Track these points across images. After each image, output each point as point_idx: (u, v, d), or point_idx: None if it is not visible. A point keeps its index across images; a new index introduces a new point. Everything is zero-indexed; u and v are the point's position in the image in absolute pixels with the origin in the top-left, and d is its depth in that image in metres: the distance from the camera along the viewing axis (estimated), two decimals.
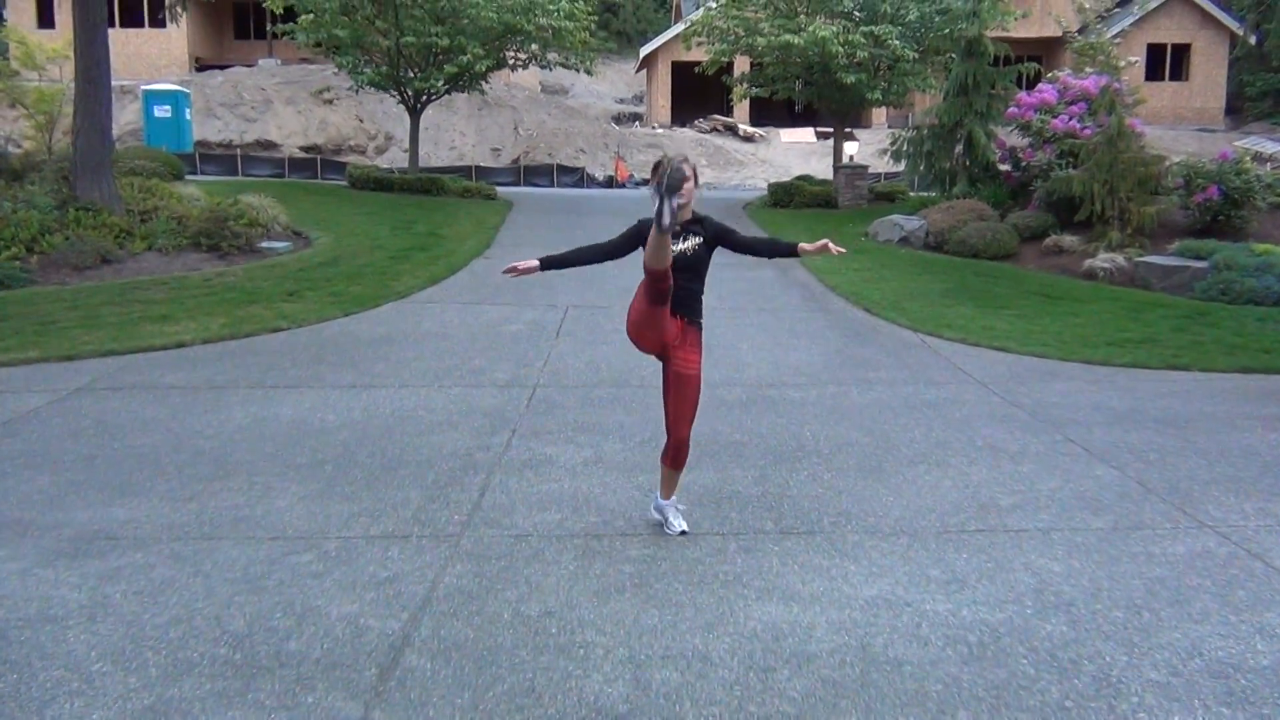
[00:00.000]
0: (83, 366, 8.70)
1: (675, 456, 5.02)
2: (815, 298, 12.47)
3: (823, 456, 6.39)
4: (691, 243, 4.86)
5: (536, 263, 4.98)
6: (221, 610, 4.19)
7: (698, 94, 40.57)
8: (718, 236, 4.95)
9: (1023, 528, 5.19)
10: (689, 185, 4.78)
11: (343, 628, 4.04)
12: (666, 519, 5.14)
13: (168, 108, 28.31)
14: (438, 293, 12.30)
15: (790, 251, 5.14)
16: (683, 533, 5.04)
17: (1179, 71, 41.48)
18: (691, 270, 4.88)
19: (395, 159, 32.63)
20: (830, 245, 4.98)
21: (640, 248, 4.89)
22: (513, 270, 4.97)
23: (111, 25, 37.91)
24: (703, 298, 5.01)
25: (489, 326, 10.46)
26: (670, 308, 4.82)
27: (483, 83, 24.19)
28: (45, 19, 37.59)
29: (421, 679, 3.66)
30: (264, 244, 14.39)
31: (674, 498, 5.19)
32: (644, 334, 4.90)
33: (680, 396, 4.93)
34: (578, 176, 32.93)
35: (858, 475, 6.03)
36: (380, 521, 5.23)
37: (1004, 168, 18.42)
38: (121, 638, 3.95)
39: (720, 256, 5.03)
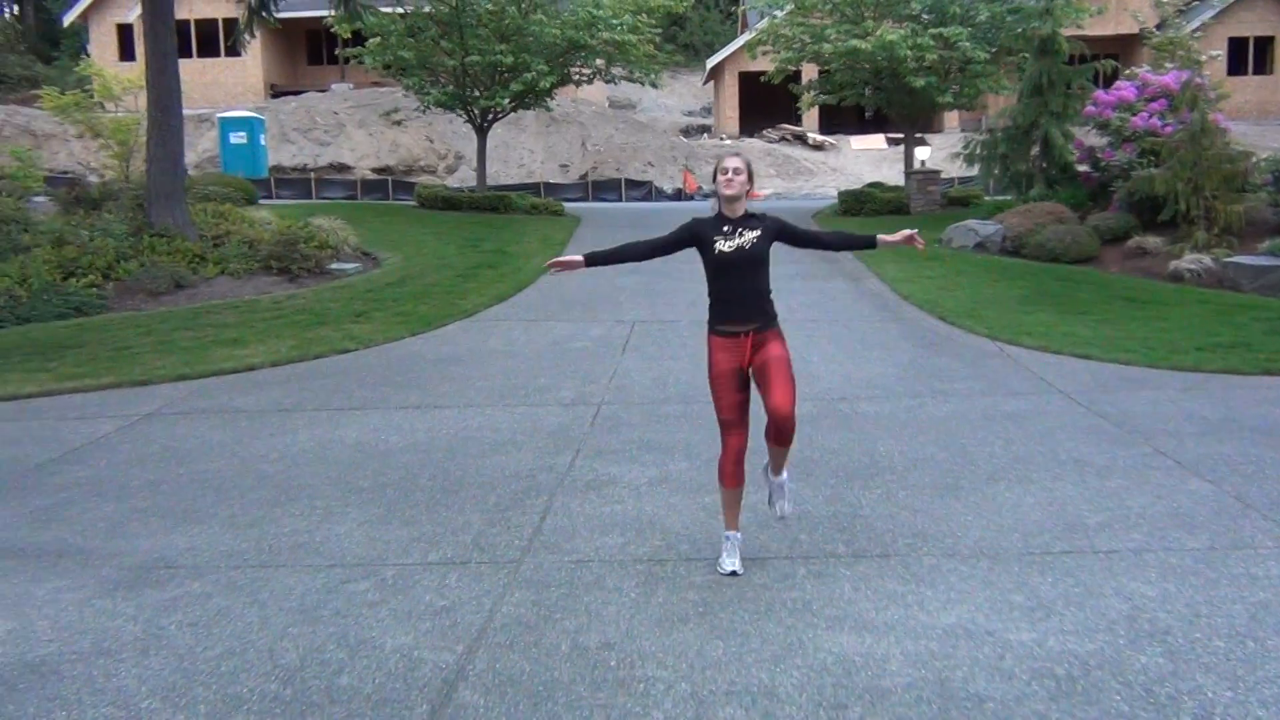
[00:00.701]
0: (154, 392, 8.77)
1: (779, 433, 4.60)
2: (888, 307, 12.16)
3: (897, 473, 6.14)
4: (750, 235, 4.64)
5: (581, 258, 4.84)
6: (275, 642, 4.09)
7: (765, 104, 40.30)
8: (778, 231, 4.73)
9: (1112, 548, 4.89)
10: (739, 178, 4.62)
11: (396, 660, 3.91)
12: (771, 496, 4.91)
13: (243, 134, 28.83)
14: (504, 310, 12.25)
15: (868, 243, 4.92)
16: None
17: (1263, 65, 40.11)
18: (754, 264, 4.64)
19: (465, 178, 32.87)
20: (916, 236, 4.77)
21: (692, 247, 4.74)
22: (556, 265, 4.86)
23: (189, 56, 39.03)
24: (770, 297, 4.73)
25: (555, 343, 10.36)
26: (737, 322, 4.63)
27: (548, 99, 24.24)
28: (127, 52, 38.67)
29: (474, 717, 3.51)
30: (333, 265, 14.49)
31: (785, 475, 4.87)
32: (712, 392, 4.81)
33: (767, 377, 4.57)
34: (646, 190, 32.85)
35: (934, 493, 5.76)
36: (439, 547, 5.11)
37: (1082, 168, 17.89)
38: (173, 672, 3.86)
39: (789, 266, 4.82)
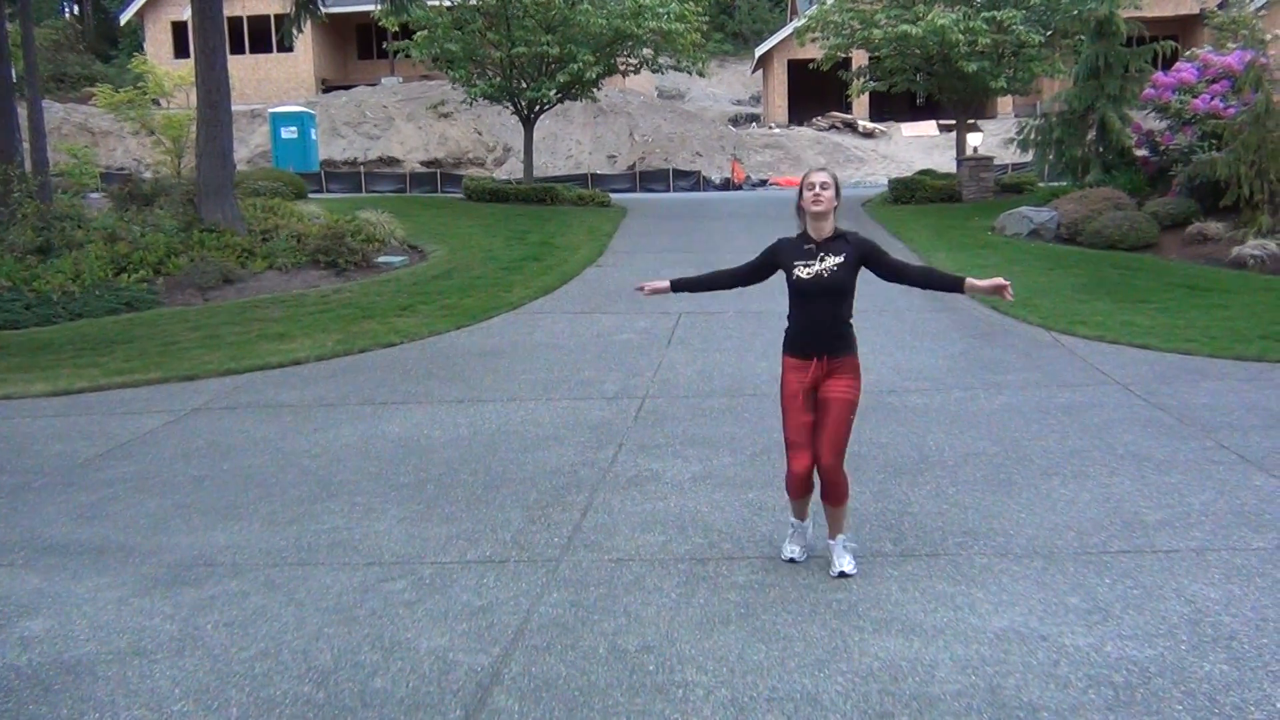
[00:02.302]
0: (202, 386, 8.81)
1: (824, 490, 4.50)
2: (939, 297, 11.90)
3: (947, 469, 5.96)
4: (831, 262, 4.41)
5: (667, 284, 4.79)
6: (310, 643, 4.04)
7: (815, 91, 39.90)
8: (864, 257, 4.49)
9: (1173, 548, 4.69)
10: (827, 194, 4.42)
11: (431, 663, 3.84)
12: (831, 558, 4.56)
13: (294, 129, 29.08)
14: (549, 303, 12.18)
15: (954, 286, 4.59)
16: (841, 574, 4.47)
17: None
18: (832, 295, 4.43)
19: (514, 170, 32.90)
20: (1006, 287, 4.45)
21: (779, 271, 4.57)
22: (643, 290, 4.81)
23: (241, 52, 39.48)
24: (850, 326, 4.54)
25: (599, 336, 10.27)
26: (808, 348, 4.48)
27: (594, 90, 24.14)
28: (181, 49, 39.13)
29: None
30: (380, 259, 14.53)
31: (842, 537, 4.57)
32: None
33: (821, 423, 4.47)
34: (694, 180, 32.65)
35: (986, 489, 5.59)
36: (478, 545, 5.04)
37: (1140, 153, 17.43)
38: (207, 673, 3.82)
39: None
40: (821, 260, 4.43)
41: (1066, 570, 4.48)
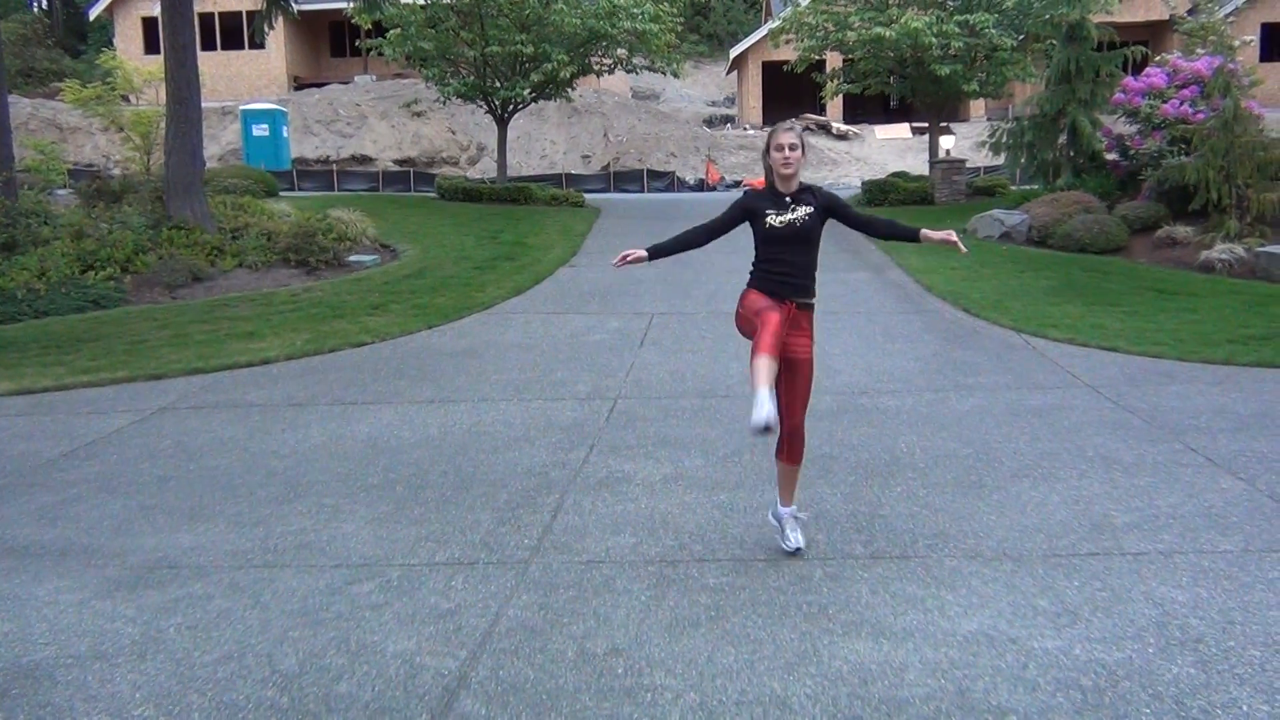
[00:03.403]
0: (169, 386, 8.70)
1: (790, 448, 4.69)
2: (911, 298, 11.97)
3: (918, 471, 5.97)
4: (802, 211, 4.62)
5: (644, 252, 4.78)
6: (274, 647, 3.98)
7: (789, 93, 39.99)
8: (830, 207, 4.72)
9: (1141, 550, 4.71)
10: (795, 154, 4.55)
11: (397, 667, 3.79)
12: (783, 531, 4.79)
13: (265, 126, 28.86)
14: (522, 303, 12.13)
15: (911, 235, 4.82)
16: (796, 550, 4.70)
17: None
18: (801, 242, 4.62)
19: (487, 169, 32.79)
20: (957, 240, 4.70)
21: (746, 223, 4.68)
22: (622, 260, 4.78)
23: (213, 48, 39.17)
24: (815, 274, 4.71)
25: (572, 336, 10.23)
26: (779, 290, 4.58)
27: (569, 89, 24.07)
28: (152, 45, 38.72)
29: None
30: (352, 258, 14.42)
31: (794, 506, 4.83)
32: (746, 329, 4.68)
33: (792, 383, 4.63)
34: (668, 181, 32.65)
35: (956, 491, 5.60)
36: (447, 547, 4.99)
37: (1111, 157, 17.57)
38: (169, 678, 3.76)
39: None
40: (793, 210, 4.60)
41: (1036, 573, 4.49)
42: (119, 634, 4.14)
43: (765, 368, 4.37)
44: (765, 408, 4.21)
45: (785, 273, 4.62)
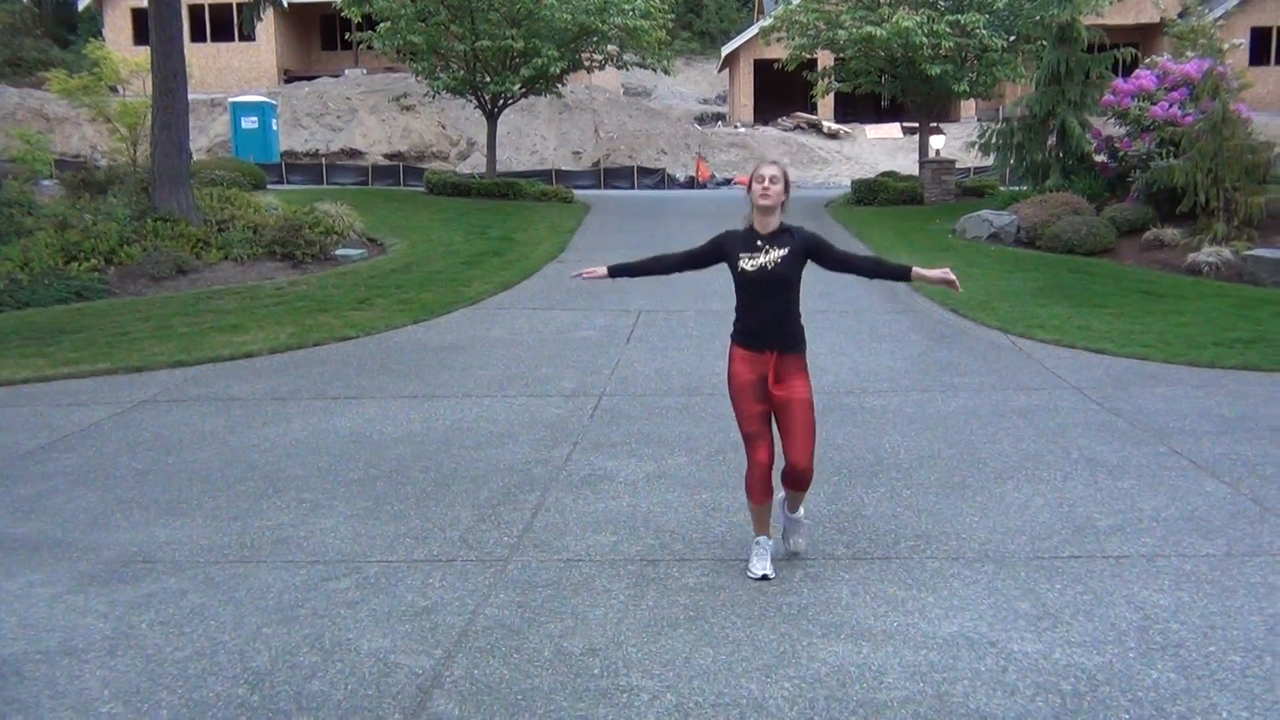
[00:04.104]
0: (151, 378, 8.63)
1: (796, 482, 4.47)
2: (899, 298, 11.94)
3: (902, 471, 5.94)
4: (775, 254, 4.35)
5: (604, 270, 4.63)
6: (247, 644, 3.93)
7: (781, 92, 39.98)
8: (809, 249, 4.42)
9: (1124, 553, 4.68)
10: (775, 188, 4.35)
11: (371, 665, 3.74)
12: (785, 533, 4.69)
13: (254, 119, 28.71)
14: (509, 299, 12.08)
15: (901, 275, 4.58)
16: (795, 554, 4.65)
17: None
18: (776, 285, 4.36)
19: (477, 164, 32.68)
20: (953, 277, 4.44)
21: (722, 263, 4.49)
22: (581, 275, 4.68)
23: (202, 40, 38.97)
24: (799, 319, 4.47)
25: (559, 332, 10.18)
26: (757, 342, 4.40)
27: (559, 85, 24.01)
28: (141, 35, 38.49)
29: None
30: (338, 251, 14.34)
31: (802, 511, 4.69)
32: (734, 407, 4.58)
33: (789, 423, 4.38)
34: (659, 178, 32.61)
35: (940, 492, 5.57)
36: (426, 544, 4.94)
37: (1100, 159, 17.59)
38: (139, 674, 3.71)
39: None
40: (766, 252, 4.36)
41: (1017, 575, 4.46)
42: (90, 629, 4.08)
43: (760, 516, 4.52)
44: (764, 565, 4.45)
45: (762, 321, 4.40)
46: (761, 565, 4.49)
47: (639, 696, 3.50)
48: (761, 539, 4.55)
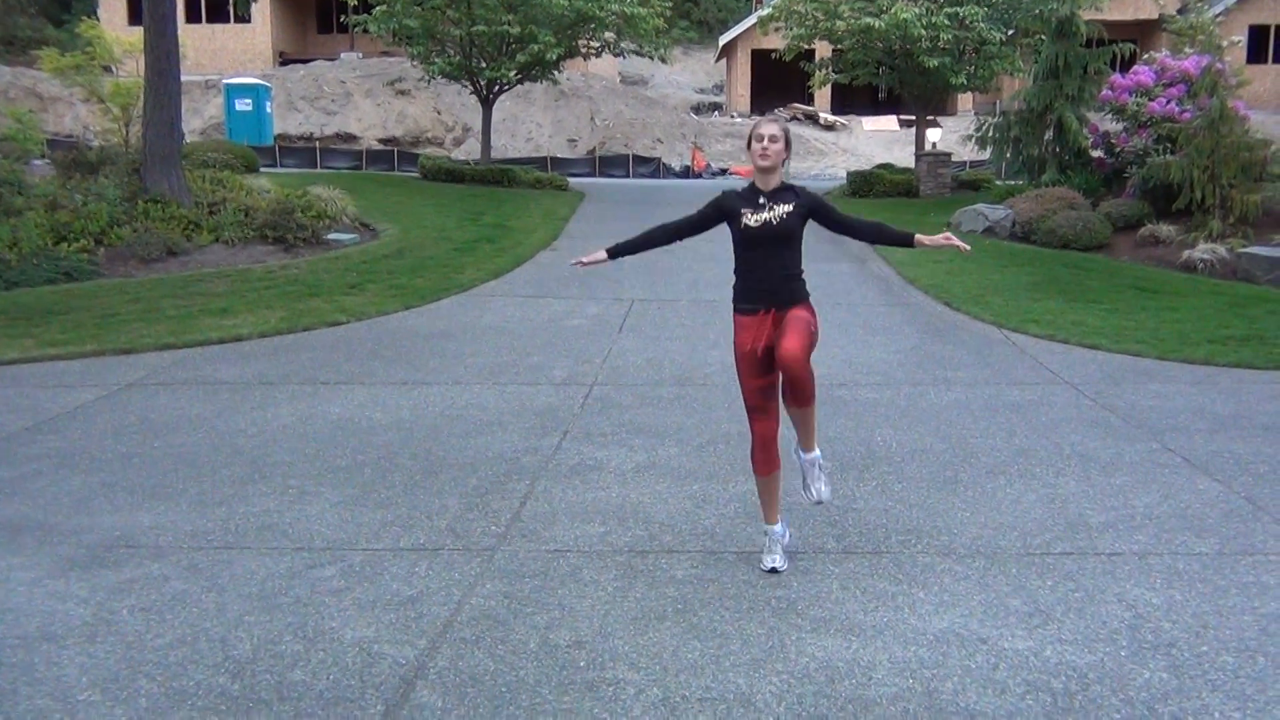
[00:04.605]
0: (139, 361, 8.56)
1: (793, 387, 4.20)
2: (893, 291, 11.91)
3: (894, 464, 5.90)
4: (780, 210, 4.30)
5: (603, 254, 4.51)
6: (229, 631, 3.88)
7: (778, 82, 39.89)
8: (813, 208, 4.38)
9: (1116, 551, 4.65)
10: (775, 146, 4.28)
11: (354, 655, 3.69)
12: (805, 480, 4.51)
13: (248, 101, 28.52)
14: (501, 286, 12.01)
15: (904, 240, 4.53)
16: (818, 503, 4.54)
17: None
18: (780, 241, 4.31)
19: (472, 150, 32.56)
20: (956, 240, 4.43)
21: (723, 223, 4.41)
22: (580, 263, 4.56)
23: (198, 20, 38.73)
24: (802, 278, 4.41)
25: (551, 321, 10.12)
26: (759, 298, 4.33)
27: (555, 72, 23.89)
28: (135, 15, 38.22)
29: (430, 719, 3.29)
30: (330, 236, 14.25)
31: (818, 452, 4.48)
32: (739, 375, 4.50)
33: (783, 331, 4.21)
34: (654, 167, 32.52)
35: (931, 487, 5.53)
36: (412, 532, 4.89)
37: (1096, 154, 17.55)
38: (118, 661, 3.65)
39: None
40: (770, 209, 4.31)
41: (1009, 571, 4.42)
42: (70, 615, 4.03)
43: (765, 493, 4.47)
44: (774, 558, 4.41)
45: (762, 278, 4.34)
46: (771, 558, 4.44)
47: (625, 690, 3.45)
48: (771, 529, 4.49)
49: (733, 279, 4.48)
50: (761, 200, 4.34)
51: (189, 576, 4.40)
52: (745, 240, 4.35)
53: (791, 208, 4.32)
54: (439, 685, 3.49)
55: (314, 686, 3.48)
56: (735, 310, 4.46)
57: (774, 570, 4.38)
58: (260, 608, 4.08)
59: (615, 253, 4.55)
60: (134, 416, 6.97)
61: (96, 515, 5.14)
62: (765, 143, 4.29)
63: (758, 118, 4.63)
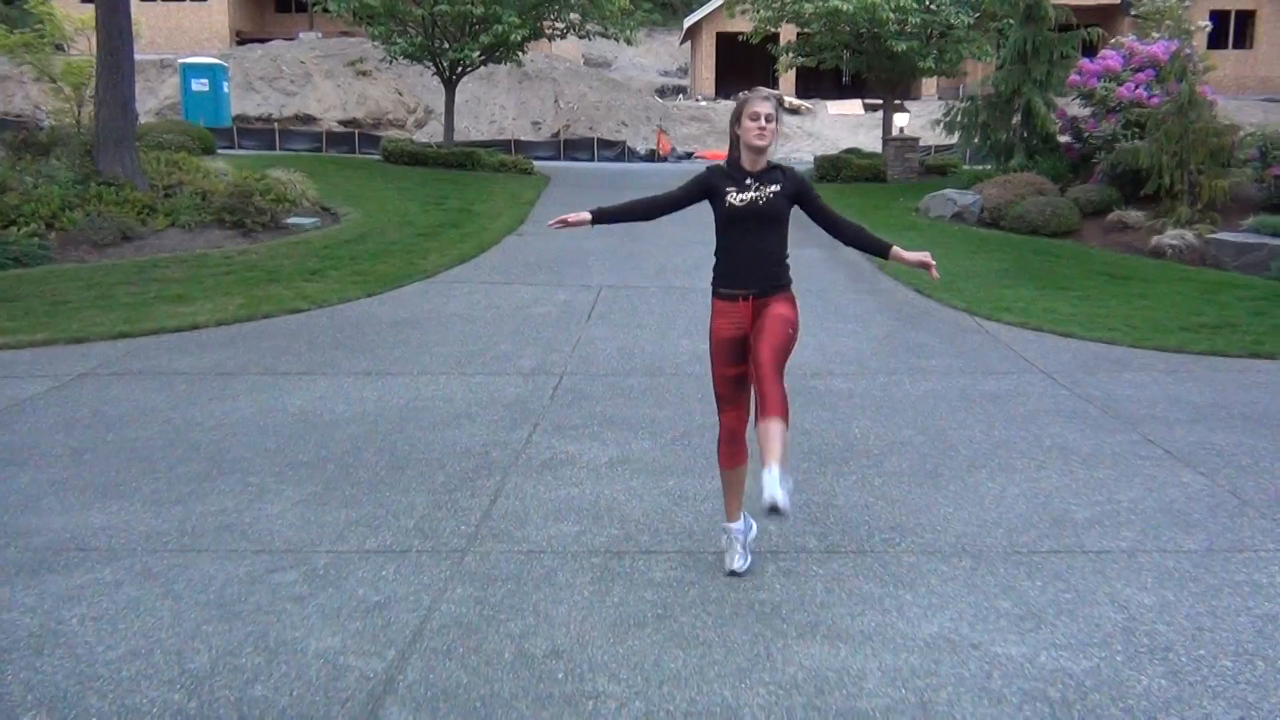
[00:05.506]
0: (91, 350, 8.27)
1: (763, 398, 3.84)
2: (863, 277, 11.80)
3: (873, 458, 5.77)
4: (768, 190, 4.12)
5: (588, 215, 4.28)
6: (185, 643, 3.67)
7: (743, 65, 39.69)
8: (800, 193, 4.20)
9: (1104, 548, 4.54)
10: (771, 126, 4.08)
11: (318, 668, 3.50)
12: (762, 489, 3.86)
13: (205, 81, 27.96)
14: (466, 272, 11.77)
15: (879, 250, 4.35)
16: (772, 509, 3.75)
17: (1243, 39, 40.01)
18: (764, 222, 4.13)
19: (435, 133, 32.14)
20: (931, 264, 4.26)
21: (705, 200, 4.20)
22: (561, 222, 4.30)
23: None
24: (785, 263, 4.23)
25: (518, 308, 9.91)
26: (740, 281, 4.14)
27: (519, 53, 23.54)
28: None
29: None
30: (290, 220, 13.92)
31: (775, 468, 3.67)
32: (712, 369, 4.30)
33: (760, 328, 4.04)
34: (619, 150, 32.26)
35: (912, 481, 5.40)
36: (379, 532, 4.69)
37: (1064, 139, 17.53)
38: (66, 676, 3.44)
39: None
40: (757, 189, 4.12)
41: (996, 571, 4.30)
42: (15, 625, 3.80)
43: (728, 487, 4.28)
44: (733, 559, 4.24)
45: (743, 261, 4.15)
46: (731, 558, 4.27)
47: (606, 704, 3.29)
48: (731, 527, 4.30)
49: (711, 262, 4.30)
50: (748, 180, 4.15)
51: (143, 582, 4.18)
52: (728, 220, 4.17)
53: (779, 188, 4.14)
54: (409, 700, 3.31)
55: (276, 703, 3.29)
56: (714, 294, 4.27)
57: (733, 573, 4.22)
58: (218, 616, 3.88)
59: (599, 217, 4.33)
60: (86, 409, 6.70)
61: (45, 516, 4.90)
62: (761, 121, 4.09)
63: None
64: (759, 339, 4.03)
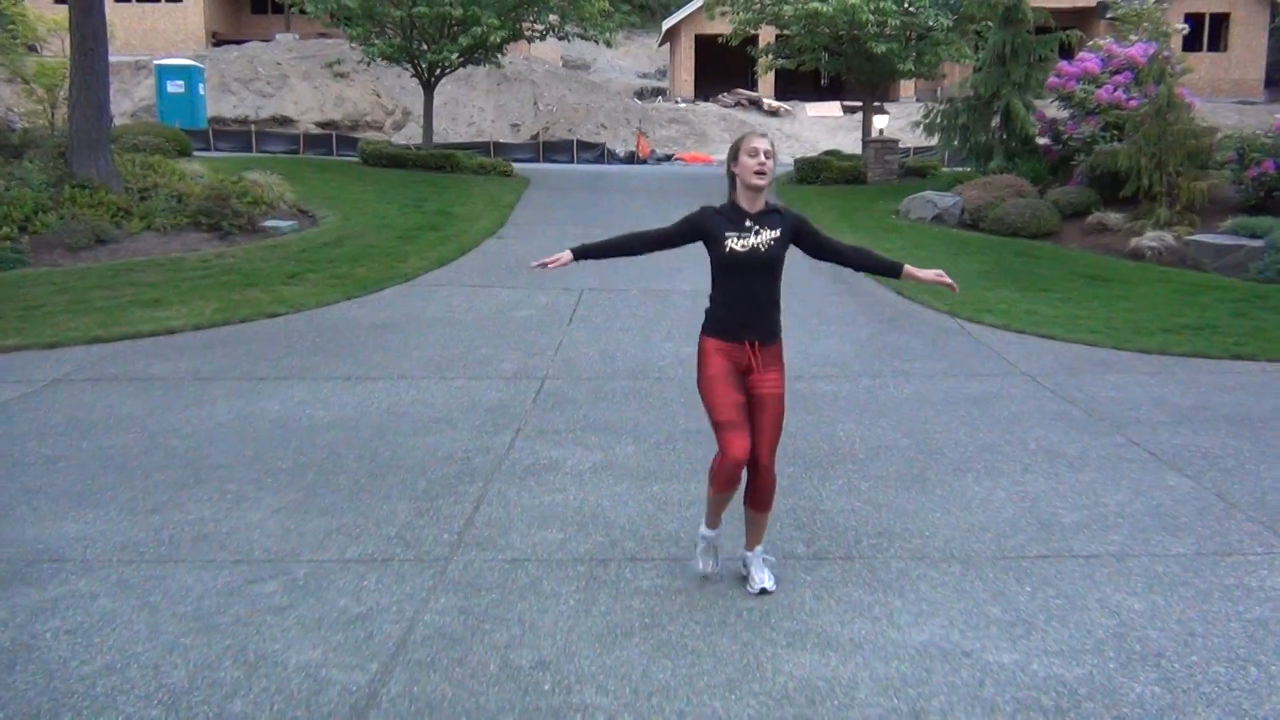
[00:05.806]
0: (65, 355, 8.14)
1: (754, 494, 4.04)
2: (844, 279, 11.76)
3: (858, 462, 5.73)
4: (767, 235, 3.94)
5: (568, 255, 4.08)
6: (162, 657, 3.59)
7: (722, 67, 39.73)
8: (798, 231, 4.06)
9: (1092, 553, 4.51)
10: (770, 163, 3.93)
11: (299, 681, 3.43)
12: (749, 573, 4.18)
13: (180, 83, 27.70)
14: (446, 275, 11.68)
15: (890, 270, 4.25)
16: (763, 591, 4.06)
17: (1217, 42, 40.33)
18: (766, 271, 3.96)
19: (413, 135, 31.98)
20: (948, 280, 4.18)
21: (699, 242, 4.03)
22: (540, 265, 4.14)
23: (129, 0, 37.57)
24: (780, 307, 4.09)
25: (498, 311, 9.84)
26: (738, 331, 3.97)
27: (498, 55, 23.45)
28: None
29: None
30: (267, 223, 13.79)
31: (760, 548, 4.18)
32: (704, 400, 4.09)
33: (759, 419, 3.98)
34: (598, 152, 32.19)
35: (898, 485, 5.36)
36: (360, 541, 4.61)
37: (1043, 141, 17.58)
38: (39, 693, 3.35)
39: None
40: (757, 233, 3.95)
41: (985, 576, 4.27)
42: None
43: (716, 506, 4.09)
44: (707, 563, 4.21)
45: (747, 309, 3.98)
46: (706, 563, 4.21)
47: (594, 716, 3.23)
48: (707, 532, 4.17)
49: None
50: (748, 223, 3.97)
51: (119, 594, 4.09)
52: (728, 266, 3.97)
53: (779, 233, 3.98)
54: (393, 714, 3.24)
55: (256, 718, 3.21)
56: (712, 336, 4.05)
57: (705, 577, 4.20)
58: (196, 629, 3.79)
59: (581, 254, 4.14)
60: (60, 415, 6.59)
61: (18, 525, 4.80)
62: (762, 157, 3.93)
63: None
64: (760, 432, 3.98)
